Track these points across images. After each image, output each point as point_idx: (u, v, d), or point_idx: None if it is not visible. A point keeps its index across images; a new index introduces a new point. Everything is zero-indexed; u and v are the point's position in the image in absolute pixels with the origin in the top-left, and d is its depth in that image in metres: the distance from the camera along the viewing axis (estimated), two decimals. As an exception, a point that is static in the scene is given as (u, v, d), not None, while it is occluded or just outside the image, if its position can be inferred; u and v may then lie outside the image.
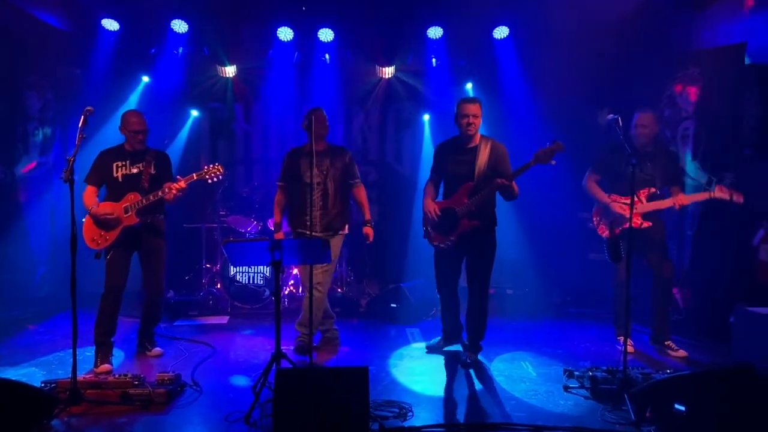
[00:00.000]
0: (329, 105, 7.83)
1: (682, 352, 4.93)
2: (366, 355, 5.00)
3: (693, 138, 5.82)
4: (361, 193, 5.10)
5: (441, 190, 4.90)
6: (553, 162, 4.27)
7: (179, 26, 6.96)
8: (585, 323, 6.16)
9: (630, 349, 4.66)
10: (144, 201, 4.57)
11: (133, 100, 7.37)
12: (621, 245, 4.28)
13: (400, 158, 8.25)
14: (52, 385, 3.74)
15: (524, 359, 4.81)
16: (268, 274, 6.70)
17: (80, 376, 3.75)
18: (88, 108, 3.90)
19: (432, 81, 7.69)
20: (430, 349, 5.06)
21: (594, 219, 5.23)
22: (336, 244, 4.96)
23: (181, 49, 7.22)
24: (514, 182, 4.41)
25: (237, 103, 8.06)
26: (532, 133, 4.69)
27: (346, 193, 5.06)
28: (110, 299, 4.59)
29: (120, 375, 3.87)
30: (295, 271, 6.56)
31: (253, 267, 6.73)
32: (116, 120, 4.85)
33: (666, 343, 5.04)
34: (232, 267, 6.73)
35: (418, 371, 4.53)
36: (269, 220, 5.16)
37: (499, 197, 4.67)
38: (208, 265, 7.06)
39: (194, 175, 4.62)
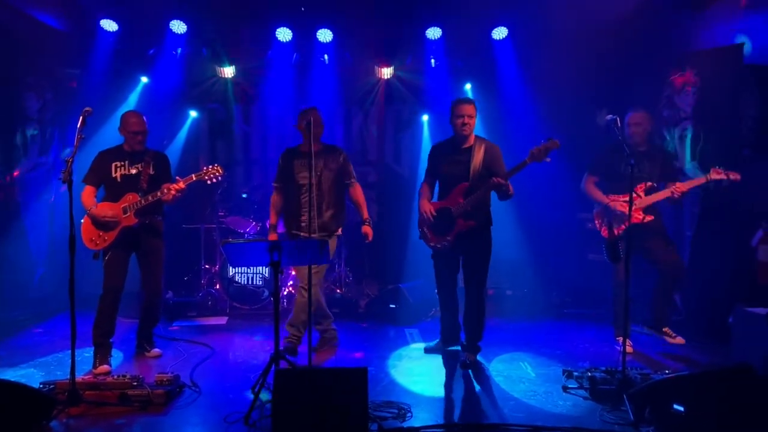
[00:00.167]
0: (328, 106, 7.86)
1: (680, 339, 4.95)
2: (365, 356, 5.00)
3: (691, 138, 5.82)
4: (358, 193, 5.06)
5: (436, 190, 4.91)
6: (548, 159, 4.28)
7: (178, 27, 6.96)
8: (584, 324, 6.16)
9: (629, 349, 4.67)
10: (142, 202, 4.57)
11: (131, 101, 7.36)
12: (620, 246, 4.28)
13: (399, 159, 8.26)
14: (51, 386, 3.73)
15: (523, 360, 4.82)
16: (266, 275, 6.69)
17: (79, 377, 3.75)
18: (87, 109, 3.90)
19: (431, 81, 7.69)
20: (429, 351, 5.05)
21: (596, 221, 5.23)
22: (330, 245, 4.93)
23: (179, 50, 7.22)
24: (509, 181, 4.42)
25: (236, 103, 8.05)
26: (531, 133, 4.70)
27: (342, 194, 5.03)
28: (109, 300, 4.58)
29: (119, 376, 3.86)
30: (294, 271, 6.53)
31: (251, 268, 6.72)
32: (115, 121, 4.85)
33: (664, 329, 5.04)
34: (230, 268, 6.72)
35: (417, 372, 4.53)
36: (268, 221, 5.13)
37: (494, 197, 4.68)
38: (206, 266, 7.05)
39: (193, 176, 4.62)
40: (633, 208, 4.76)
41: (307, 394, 3.15)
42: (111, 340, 4.62)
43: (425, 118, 7.99)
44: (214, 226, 7.09)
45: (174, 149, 7.64)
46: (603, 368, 4.03)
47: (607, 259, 4.44)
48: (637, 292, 5.43)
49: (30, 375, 4.36)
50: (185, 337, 5.53)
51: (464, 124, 4.56)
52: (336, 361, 4.85)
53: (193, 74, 7.59)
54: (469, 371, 4.51)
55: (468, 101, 4.64)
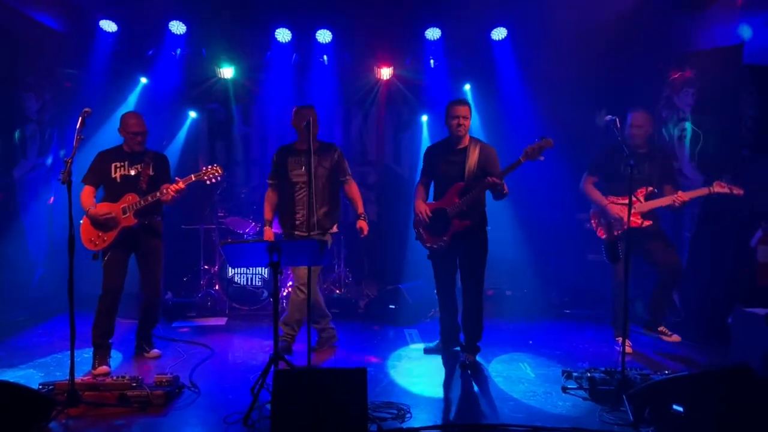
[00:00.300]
0: (327, 106, 7.86)
1: (675, 337, 4.95)
2: (364, 357, 5.00)
3: (691, 139, 5.83)
4: (353, 189, 5.06)
5: (431, 191, 4.94)
6: (542, 158, 4.31)
7: (177, 27, 6.96)
8: (583, 324, 6.16)
9: (628, 350, 4.67)
10: (142, 202, 4.57)
11: (131, 102, 7.37)
12: (619, 246, 4.28)
13: (399, 159, 8.26)
14: (50, 387, 3.73)
15: (523, 360, 4.82)
16: (266, 276, 6.69)
17: (78, 378, 3.74)
18: (86, 110, 3.90)
19: (430, 82, 7.70)
20: (429, 352, 5.05)
21: (592, 221, 5.24)
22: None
23: (179, 51, 7.22)
24: (503, 181, 4.45)
25: (235, 104, 8.05)
26: (530, 133, 4.70)
27: (336, 192, 5.02)
28: (108, 301, 4.58)
29: (118, 377, 3.86)
30: (291, 271, 6.51)
31: (251, 268, 6.72)
32: (114, 121, 4.85)
33: (660, 329, 5.05)
34: (230, 268, 6.72)
35: (417, 372, 4.53)
36: (275, 220, 5.10)
37: (489, 198, 4.71)
38: (206, 267, 7.05)
39: (192, 176, 4.62)
40: (632, 212, 4.79)
41: (307, 395, 3.15)
42: (110, 341, 4.61)
43: (425, 118, 8.00)
44: (214, 226, 7.09)
45: (173, 150, 7.64)
46: (602, 369, 4.03)
47: (606, 260, 4.45)
48: (637, 292, 5.45)
49: (29, 376, 4.36)
50: (184, 338, 5.53)
51: (459, 125, 4.60)
52: (335, 362, 4.85)
53: (193, 75, 7.59)
54: (469, 372, 4.51)
55: (463, 102, 4.68)
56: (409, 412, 3.63)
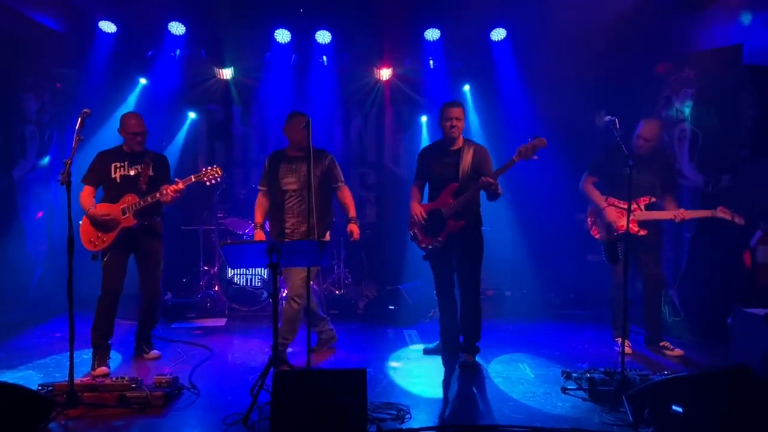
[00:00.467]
0: (327, 107, 7.88)
1: (678, 351, 4.95)
2: (364, 357, 5.00)
3: (690, 139, 5.83)
4: (346, 195, 4.94)
5: (426, 192, 4.97)
6: (536, 157, 4.35)
7: (176, 28, 6.96)
8: (583, 325, 6.16)
9: (628, 350, 4.67)
10: (141, 203, 4.56)
11: (130, 103, 7.37)
12: (618, 247, 4.28)
13: (398, 160, 8.26)
14: (49, 388, 3.72)
15: (522, 361, 4.82)
16: (265, 276, 6.69)
17: (77, 379, 3.73)
18: (85, 110, 3.90)
19: (430, 83, 7.70)
20: (428, 352, 5.05)
21: (588, 220, 5.24)
22: None
23: (178, 52, 7.22)
24: (497, 181, 4.48)
25: (234, 105, 8.06)
26: (530, 134, 4.70)
27: (328, 199, 4.90)
28: (107, 301, 4.58)
29: (117, 378, 3.85)
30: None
31: (250, 269, 6.72)
32: (113, 122, 4.85)
33: (661, 344, 5.05)
34: (229, 269, 6.72)
35: (416, 373, 4.53)
36: (266, 222, 5.07)
37: (484, 199, 4.73)
38: (205, 268, 7.05)
39: (192, 177, 4.62)
40: (630, 218, 4.79)
41: (306, 396, 3.15)
42: (109, 342, 4.61)
43: (424, 119, 8.00)
44: (213, 227, 7.09)
45: (173, 150, 7.64)
46: (602, 369, 4.03)
47: (605, 261, 4.45)
48: (636, 293, 5.45)
49: (28, 377, 4.36)
50: (184, 339, 5.53)
51: (453, 127, 4.64)
52: (335, 363, 4.84)
53: (192, 76, 7.59)
54: (468, 372, 4.51)
55: (456, 104, 4.71)
56: (408, 412, 3.62)
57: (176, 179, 4.67)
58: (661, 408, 3.30)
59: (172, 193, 4.54)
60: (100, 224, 4.56)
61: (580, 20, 6.35)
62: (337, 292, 7.09)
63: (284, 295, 6.70)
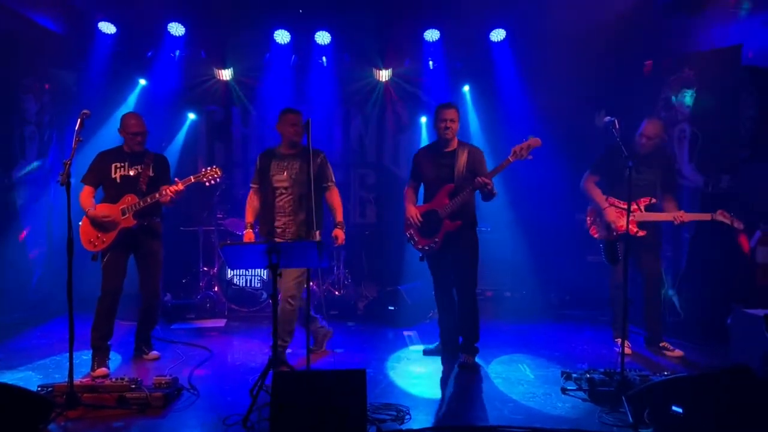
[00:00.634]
0: (327, 108, 7.88)
1: (678, 352, 4.95)
2: (364, 358, 5.00)
3: (689, 140, 5.83)
4: (335, 197, 4.86)
5: (421, 194, 5.00)
6: (530, 157, 4.39)
7: (176, 29, 6.96)
8: (583, 325, 6.16)
9: (627, 351, 4.67)
10: (141, 203, 4.56)
11: (130, 103, 7.38)
12: (618, 247, 4.28)
13: (398, 161, 8.26)
14: (49, 389, 3.72)
15: (522, 361, 4.81)
16: (265, 277, 6.69)
17: (77, 380, 3.73)
18: (85, 111, 3.90)
19: (429, 83, 7.71)
20: (428, 353, 5.05)
21: (587, 219, 5.24)
22: None
23: (178, 52, 7.23)
24: (492, 181, 4.51)
25: (234, 105, 8.07)
26: (529, 134, 4.71)
27: (318, 198, 4.81)
28: (107, 302, 4.57)
29: (117, 379, 3.85)
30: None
31: (250, 270, 6.71)
32: (113, 123, 4.86)
33: (661, 344, 5.05)
34: (229, 270, 6.72)
35: (416, 374, 4.53)
36: (256, 222, 4.99)
37: (478, 200, 4.76)
38: (205, 268, 7.05)
39: (192, 177, 4.62)
40: (629, 219, 4.79)
41: (306, 397, 3.15)
42: (109, 343, 4.61)
43: (424, 119, 8.00)
44: (213, 228, 7.08)
45: (172, 151, 7.64)
46: (602, 370, 4.03)
47: (605, 261, 4.45)
48: (635, 293, 5.45)
49: (28, 378, 4.36)
50: (183, 340, 5.52)
51: (447, 128, 4.68)
52: (334, 364, 4.84)
53: (192, 76, 7.60)
54: (468, 373, 4.51)
55: (450, 106, 4.74)
56: (408, 413, 3.62)
57: (176, 179, 4.67)
58: (661, 408, 3.30)
59: (171, 194, 4.54)
60: (99, 225, 4.56)
61: (580, 20, 6.35)
62: (336, 292, 7.08)
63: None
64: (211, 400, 3.92)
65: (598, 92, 6.97)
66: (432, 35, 7.17)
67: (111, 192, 4.67)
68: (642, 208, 4.94)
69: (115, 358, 4.78)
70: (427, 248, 4.77)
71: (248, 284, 6.72)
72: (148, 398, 3.69)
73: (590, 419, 3.56)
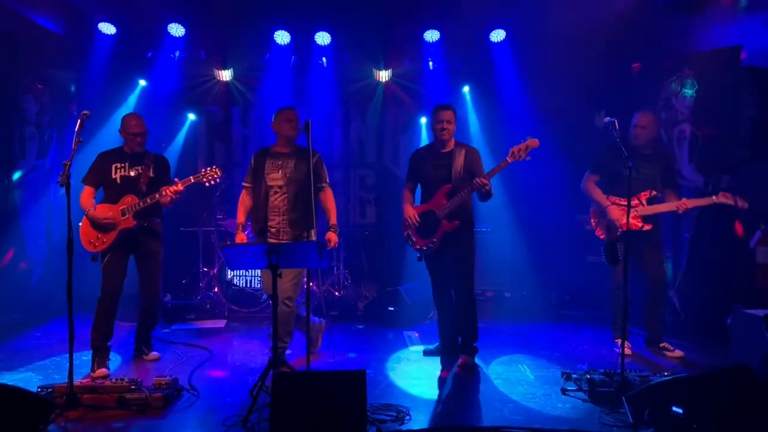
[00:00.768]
0: (326, 108, 7.88)
1: (678, 353, 4.95)
2: (364, 359, 5.00)
3: (689, 140, 5.83)
4: (328, 198, 4.78)
5: (418, 194, 5.01)
6: (528, 158, 4.41)
7: (176, 30, 6.97)
8: (583, 326, 6.16)
9: (627, 351, 4.67)
10: (141, 204, 4.56)
11: (130, 104, 7.38)
12: (618, 248, 4.28)
13: (398, 161, 8.26)
14: (49, 390, 3.72)
15: (522, 362, 4.81)
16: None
17: (77, 381, 3.73)
18: (85, 112, 3.90)
19: (429, 84, 7.71)
20: (428, 354, 5.05)
21: (592, 220, 5.23)
22: None
23: (178, 53, 7.23)
24: (490, 182, 4.52)
25: (234, 106, 8.07)
26: (529, 135, 4.71)
27: (313, 198, 4.71)
28: (107, 303, 4.57)
29: (117, 379, 3.85)
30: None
31: (250, 270, 6.71)
32: (113, 124, 4.86)
33: (662, 345, 5.05)
34: (229, 270, 6.72)
35: (416, 374, 4.53)
36: (248, 223, 4.95)
37: (475, 201, 4.78)
38: (205, 269, 7.05)
39: (191, 178, 4.62)
40: (633, 214, 4.79)
41: (306, 397, 3.14)
42: (109, 344, 4.61)
43: (423, 120, 8.00)
44: (213, 228, 7.08)
45: (172, 152, 7.64)
46: (602, 370, 4.03)
47: (605, 262, 4.45)
48: (635, 294, 5.45)
49: (28, 379, 4.35)
50: (183, 340, 5.52)
51: (443, 129, 4.70)
52: (334, 364, 4.84)
53: (192, 77, 7.60)
54: (468, 374, 4.51)
55: (447, 107, 4.75)
56: (408, 414, 3.62)
57: (176, 180, 4.68)
58: (661, 409, 3.30)
59: (171, 195, 4.54)
60: (99, 225, 4.56)
61: (580, 20, 6.35)
62: (336, 293, 7.08)
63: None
64: (211, 401, 3.92)
65: (598, 92, 6.97)
66: (432, 36, 7.17)
67: (111, 193, 4.67)
68: (644, 201, 4.94)
69: (115, 359, 4.78)
70: (425, 248, 4.79)
71: (248, 285, 6.72)
72: (148, 399, 3.69)
73: (590, 420, 3.56)
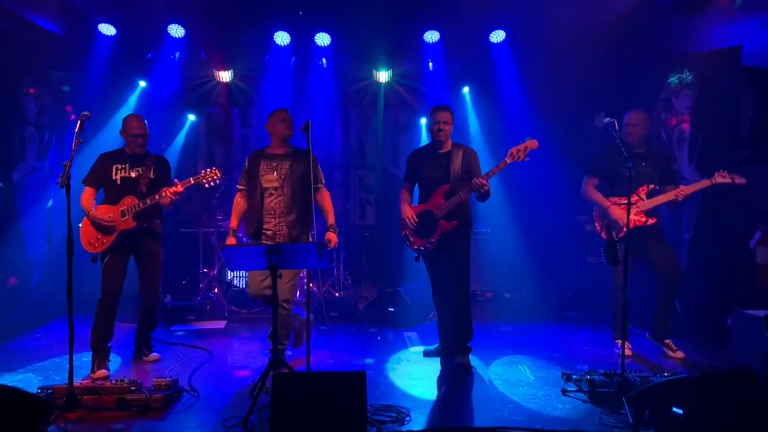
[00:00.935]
0: (326, 109, 7.89)
1: (680, 354, 4.94)
2: (364, 359, 4.99)
3: (689, 141, 5.83)
4: (325, 198, 4.74)
5: (416, 195, 5.02)
6: (527, 158, 4.43)
7: (176, 31, 6.97)
8: (583, 326, 6.15)
9: (628, 352, 4.67)
10: (141, 205, 4.56)
11: (130, 105, 7.38)
12: (618, 248, 4.28)
13: (398, 162, 8.26)
14: (49, 391, 3.72)
15: (522, 363, 4.81)
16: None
17: (77, 382, 3.73)
18: (85, 113, 3.90)
19: (429, 85, 7.71)
20: (428, 354, 5.05)
21: (596, 224, 5.22)
22: None
23: (177, 54, 7.22)
24: (488, 182, 4.55)
25: (234, 107, 8.08)
26: (529, 136, 4.71)
27: (308, 200, 4.62)
28: (107, 304, 4.57)
29: (117, 380, 3.85)
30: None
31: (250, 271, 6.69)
32: (113, 125, 4.86)
33: (666, 341, 5.04)
34: (229, 271, 6.71)
35: (416, 375, 4.53)
36: (240, 228, 4.93)
37: (473, 201, 4.79)
38: (205, 270, 7.04)
39: (191, 179, 4.62)
40: (635, 210, 4.80)
41: (306, 398, 3.14)
42: (109, 345, 4.61)
43: (423, 121, 8.00)
44: (213, 229, 7.08)
45: (172, 153, 7.65)
46: (602, 371, 4.03)
47: (605, 262, 4.45)
48: (635, 295, 5.45)
49: (28, 380, 4.35)
50: (183, 341, 5.52)
51: (440, 130, 4.72)
52: (334, 365, 4.84)
53: (191, 78, 7.61)
54: (468, 374, 4.51)
55: (443, 108, 4.77)
56: (408, 415, 3.62)
57: (175, 181, 4.68)
58: (661, 410, 3.30)
59: (170, 196, 4.54)
60: (99, 226, 4.56)
61: (580, 20, 6.36)
62: (336, 294, 7.08)
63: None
64: (211, 402, 3.92)
65: (598, 92, 6.98)
66: (432, 36, 7.17)
67: (111, 194, 4.67)
68: (643, 196, 4.94)
69: (115, 360, 4.78)
70: (422, 249, 4.80)
71: (248, 286, 6.70)
72: (148, 400, 3.69)
73: (590, 420, 3.56)
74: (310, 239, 4.73)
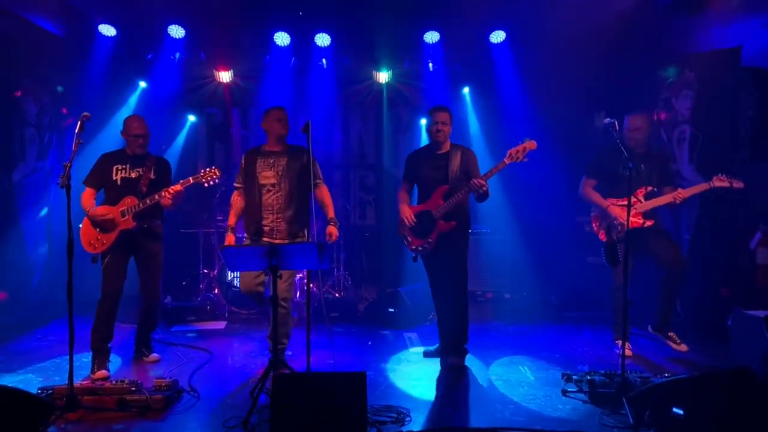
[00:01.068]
0: (326, 109, 7.89)
1: (683, 346, 4.95)
2: (364, 360, 4.99)
3: (689, 141, 5.83)
4: (324, 193, 4.75)
5: (415, 195, 5.03)
6: (526, 159, 4.45)
7: (176, 31, 6.97)
8: (583, 327, 6.15)
9: (628, 352, 4.67)
10: (141, 205, 4.56)
11: (130, 105, 7.38)
12: (618, 249, 4.28)
13: (397, 162, 8.26)
14: (49, 392, 3.72)
15: (522, 363, 4.81)
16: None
17: (77, 383, 3.73)
18: (85, 114, 3.90)
19: (429, 85, 7.71)
20: (428, 355, 5.05)
21: (594, 224, 5.23)
22: None
23: (178, 55, 7.23)
24: (487, 183, 4.55)
25: (234, 107, 8.08)
26: (529, 136, 4.71)
27: (306, 196, 4.64)
28: (107, 304, 4.57)
29: (117, 381, 3.85)
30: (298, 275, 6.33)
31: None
32: (113, 125, 4.86)
33: (669, 334, 5.04)
34: (229, 272, 6.71)
35: (416, 376, 4.52)
36: (238, 225, 4.93)
37: (471, 201, 4.79)
38: (205, 271, 7.04)
39: (191, 178, 4.62)
40: (633, 212, 4.79)
41: (306, 399, 3.14)
42: (109, 345, 4.61)
43: (423, 121, 7.99)
44: (213, 230, 7.08)
45: (172, 153, 7.66)
46: (602, 371, 4.02)
47: (605, 263, 4.45)
48: (635, 295, 5.45)
49: (28, 380, 4.35)
50: (184, 342, 5.52)
51: (438, 131, 4.73)
52: (335, 366, 4.84)
53: (192, 79, 7.61)
54: (468, 375, 4.51)
55: (442, 109, 4.77)
56: (408, 415, 3.62)
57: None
58: (661, 410, 3.30)
59: (170, 196, 4.54)
60: (99, 225, 4.56)
61: (580, 20, 6.35)
62: (336, 294, 7.08)
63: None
64: (212, 403, 3.92)
65: (598, 93, 6.98)
66: (432, 37, 7.17)
67: (111, 194, 4.68)
68: (641, 198, 4.94)
69: (115, 361, 4.78)
70: (420, 249, 4.81)
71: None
72: (148, 401, 3.69)
73: (591, 421, 3.56)
74: (308, 236, 4.72)
